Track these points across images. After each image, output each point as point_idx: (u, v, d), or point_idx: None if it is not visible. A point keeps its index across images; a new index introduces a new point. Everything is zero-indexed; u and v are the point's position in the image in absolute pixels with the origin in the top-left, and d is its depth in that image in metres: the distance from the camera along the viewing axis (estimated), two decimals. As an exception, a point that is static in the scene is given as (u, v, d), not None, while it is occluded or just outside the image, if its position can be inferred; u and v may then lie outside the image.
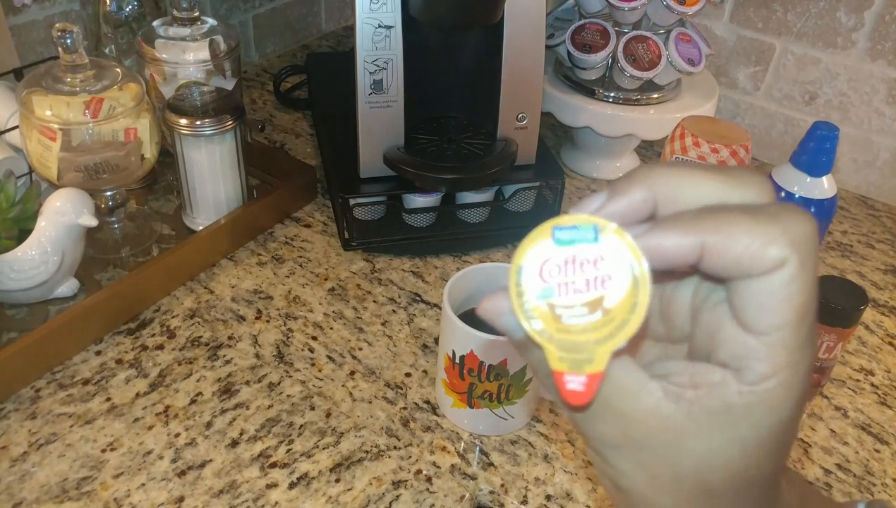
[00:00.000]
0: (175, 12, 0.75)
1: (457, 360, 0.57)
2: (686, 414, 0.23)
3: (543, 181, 0.81)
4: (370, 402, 0.62)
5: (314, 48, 1.21)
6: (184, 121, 0.69)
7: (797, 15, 0.95)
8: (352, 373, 0.65)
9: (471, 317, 0.56)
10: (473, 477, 0.57)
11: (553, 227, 0.23)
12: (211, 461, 0.56)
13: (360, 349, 0.67)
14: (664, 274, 0.26)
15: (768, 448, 0.23)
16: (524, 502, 0.56)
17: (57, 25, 0.63)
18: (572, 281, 0.23)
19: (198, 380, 0.63)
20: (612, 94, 0.87)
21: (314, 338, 0.68)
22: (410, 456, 0.58)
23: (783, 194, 0.62)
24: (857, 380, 0.70)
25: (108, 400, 0.60)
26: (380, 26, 0.68)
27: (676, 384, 0.23)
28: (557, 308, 0.23)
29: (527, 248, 0.23)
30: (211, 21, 0.77)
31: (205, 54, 0.75)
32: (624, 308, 0.22)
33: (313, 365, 0.65)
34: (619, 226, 0.22)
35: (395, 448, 0.59)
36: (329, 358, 0.66)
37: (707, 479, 0.24)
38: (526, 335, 0.23)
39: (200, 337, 0.67)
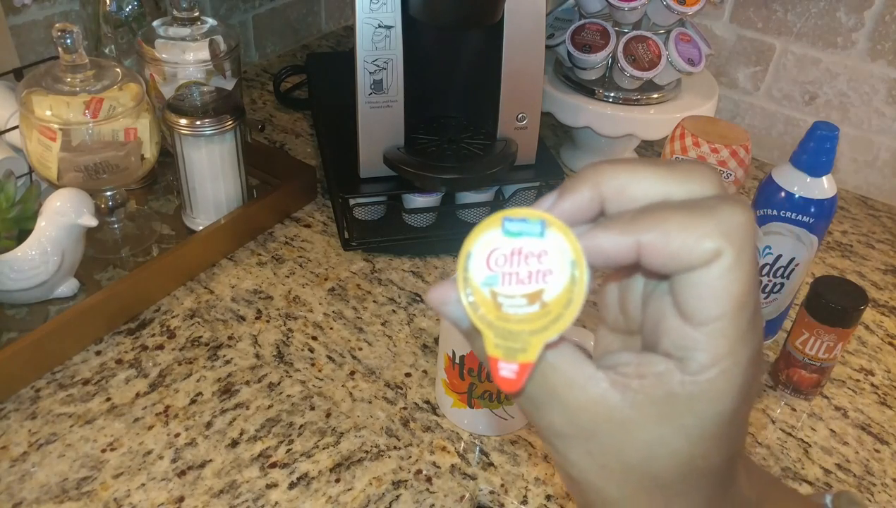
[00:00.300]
0: (175, 12, 0.75)
1: (457, 360, 0.57)
2: (631, 404, 0.23)
3: (543, 181, 0.81)
4: (370, 402, 0.62)
5: (314, 48, 1.21)
6: (184, 121, 0.69)
7: (797, 15, 0.95)
8: (352, 373, 0.65)
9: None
10: (473, 477, 0.57)
11: (503, 218, 0.24)
12: (211, 461, 0.56)
13: (360, 349, 0.67)
14: (617, 272, 0.27)
15: (715, 440, 0.24)
16: (524, 502, 0.56)
17: (57, 25, 0.63)
18: (516, 271, 0.23)
19: (198, 380, 0.63)
20: (612, 94, 0.87)
21: (314, 338, 0.68)
22: (410, 456, 0.58)
23: (783, 194, 0.62)
24: (857, 380, 0.70)
25: (108, 400, 0.60)
26: (380, 26, 0.68)
27: (624, 374, 0.24)
28: (499, 296, 0.23)
29: (477, 236, 0.24)
30: (211, 21, 0.77)
31: (205, 54, 0.75)
32: (560, 302, 0.23)
33: (313, 365, 0.65)
34: (564, 224, 0.23)
35: (395, 448, 0.59)
36: (329, 358, 0.66)
37: (654, 470, 0.24)
38: (468, 320, 0.24)
39: (200, 337, 0.67)
